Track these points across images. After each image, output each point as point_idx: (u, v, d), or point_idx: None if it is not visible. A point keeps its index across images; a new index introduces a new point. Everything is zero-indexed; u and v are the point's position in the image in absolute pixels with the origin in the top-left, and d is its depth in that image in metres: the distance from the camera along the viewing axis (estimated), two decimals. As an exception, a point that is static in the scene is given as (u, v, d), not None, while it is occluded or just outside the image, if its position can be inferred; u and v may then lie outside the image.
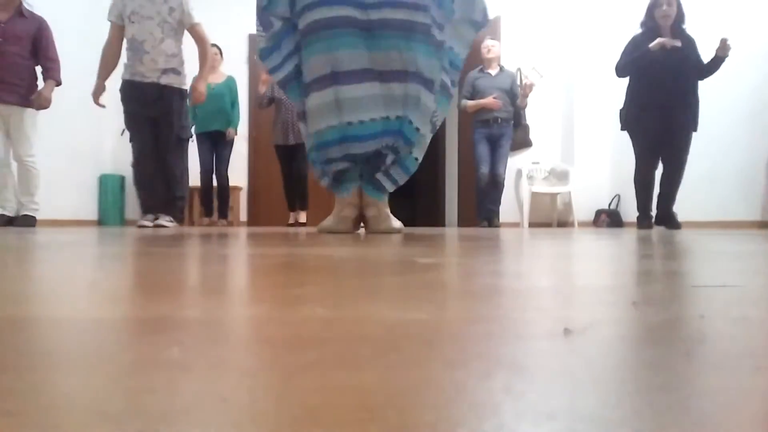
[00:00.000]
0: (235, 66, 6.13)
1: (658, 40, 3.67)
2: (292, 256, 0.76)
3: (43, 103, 3.88)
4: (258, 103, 4.94)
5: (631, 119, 3.89)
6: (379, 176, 2.29)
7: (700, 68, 3.78)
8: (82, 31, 5.58)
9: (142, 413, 0.13)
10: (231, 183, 5.79)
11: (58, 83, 3.96)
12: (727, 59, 3.75)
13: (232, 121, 5.10)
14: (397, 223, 2.32)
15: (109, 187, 6.29)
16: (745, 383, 0.16)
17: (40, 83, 3.96)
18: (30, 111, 3.80)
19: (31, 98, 3.83)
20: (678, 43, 3.68)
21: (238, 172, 6.60)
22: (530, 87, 4.95)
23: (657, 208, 4.00)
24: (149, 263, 0.60)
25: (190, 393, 0.15)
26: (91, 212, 6.29)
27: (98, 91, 3.57)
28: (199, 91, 3.75)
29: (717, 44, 3.70)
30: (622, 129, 4.02)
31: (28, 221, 3.81)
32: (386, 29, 2.06)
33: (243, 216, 6.70)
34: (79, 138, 5.95)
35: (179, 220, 3.78)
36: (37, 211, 3.87)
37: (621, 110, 4.03)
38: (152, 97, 3.50)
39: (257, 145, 6.45)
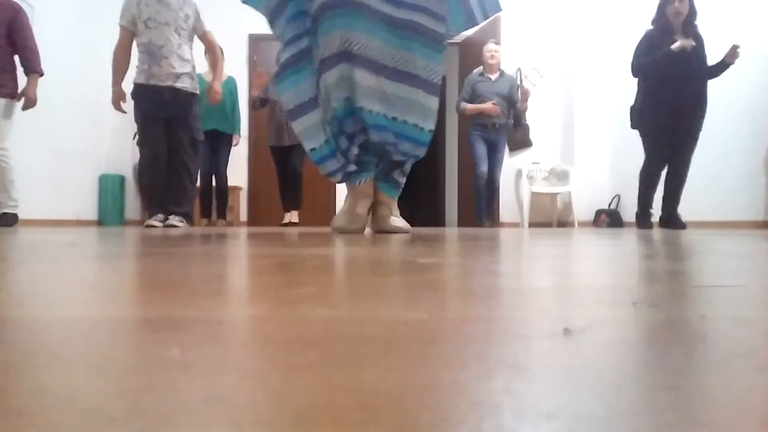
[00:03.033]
0: (236, 66, 6.14)
1: (680, 42, 3.60)
2: (292, 255, 0.76)
3: (30, 105, 3.73)
4: (252, 105, 4.96)
5: (644, 118, 3.83)
6: (396, 174, 2.34)
7: (704, 70, 3.73)
8: (79, 30, 5.58)
9: (142, 413, 0.13)
10: (231, 183, 5.79)
11: (41, 74, 3.79)
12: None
13: (235, 126, 5.13)
14: (404, 224, 2.34)
15: (109, 187, 6.29)
16: (745, 383, 0.16)
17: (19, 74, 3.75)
18: (4, 101, 3.62)
19: (17, 92, 3.66)
20: (694, 44, 3.62)
21: (238, 173, 6.60)
22: (527, 93, 5.00)
23: (662, 209, 3.95)
24: (149, 263, 0.60)
25: (190, 393, 0.15)
26: (91, 212, 6.29)
27: (118, 96, 3.59)
28: (215, 90, 3.85)
29: (725, 49, 3.65)
30: (633, 127, 3.96)
31: (8, 220, 3.63)
32: (411, 31, 2.13)
33: (243, 216, 6.70)
34: (78, 138, 5.95)
35: (189, 219, 3.81)
36: (16, 208, 3.71)
37: (632, 108, 3.95)
38: (168, 100, 3.56)
39: (257, 146, 6.45)
